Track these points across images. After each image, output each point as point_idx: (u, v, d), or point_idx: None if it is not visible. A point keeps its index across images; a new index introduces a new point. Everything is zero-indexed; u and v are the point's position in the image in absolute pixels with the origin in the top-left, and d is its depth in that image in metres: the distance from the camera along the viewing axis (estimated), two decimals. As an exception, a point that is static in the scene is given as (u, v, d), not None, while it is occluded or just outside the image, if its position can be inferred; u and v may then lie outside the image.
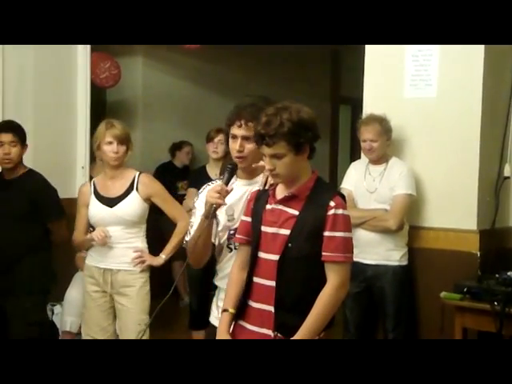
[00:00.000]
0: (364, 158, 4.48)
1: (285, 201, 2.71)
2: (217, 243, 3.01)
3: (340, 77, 9.47)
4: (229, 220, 2.99)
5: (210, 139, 5.31)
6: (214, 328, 3.09)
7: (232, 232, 2.99)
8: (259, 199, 2.80)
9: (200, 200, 3.06)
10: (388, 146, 4.37)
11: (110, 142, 3.95)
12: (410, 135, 4.46)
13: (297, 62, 8.26)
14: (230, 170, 2.91)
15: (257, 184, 3.00)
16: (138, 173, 4.08)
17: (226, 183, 2.87)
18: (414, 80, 4.43)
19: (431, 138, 4.39)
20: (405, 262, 4.31)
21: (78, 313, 5.16)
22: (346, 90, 9.28)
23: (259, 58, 7.70)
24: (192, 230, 3.01)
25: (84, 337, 4.13)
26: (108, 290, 4.04)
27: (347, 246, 2.66)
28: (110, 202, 3.99)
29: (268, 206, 2.75)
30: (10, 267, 4.31)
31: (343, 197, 2.73)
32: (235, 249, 3.00)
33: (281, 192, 2.74)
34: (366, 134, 4.33)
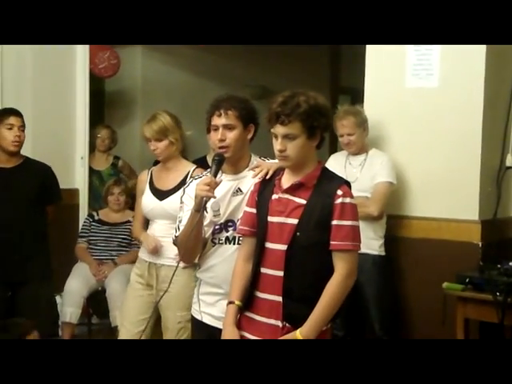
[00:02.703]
0: (344, 150, 4.48)
1: (292, 190, 2.70)
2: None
3: (339, 66, 9.44)
4: (215, 215, 2.98)
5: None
6: (197, 321, 3.10)
7: (217, 227, 2.99)
8: (264, 190, 2.78)
9: (187, 195, 3.04)
10: (366, 136, 4.38)
11: (148, 139, 3.87)
12: (411, 125, 4.44)
13: (296, 52, 8.22)
14: (217, 161, 2.90)
15: (243, 179, 2.99)
16: (193, 167, 3.92)
17: (215, 175, 2.86)
18: (416, 70, 4.40)
19: (433, 128, 4.37)
20: (383, 253, 4.31)
21: (77, 303, 5.18)
22: (345, 80, 9.26)
23: (258, 47, 7.64)
24: (181, 226, 2.99)
25: (119, 327, 4.04)
26: (154, 283, 3.89)
27: (355, 234, 2.66)
28: (161, 195, 3.87)
29: (274, 196, 2.73)
30: (24, 255, 4.29)
31: (349, 186, 2.73)
32: (219, 243, 3.00)
33: (287, 181, 2.73)
34: (342, 129, 4.33)
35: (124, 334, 3.89)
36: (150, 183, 3.96)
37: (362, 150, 4.39)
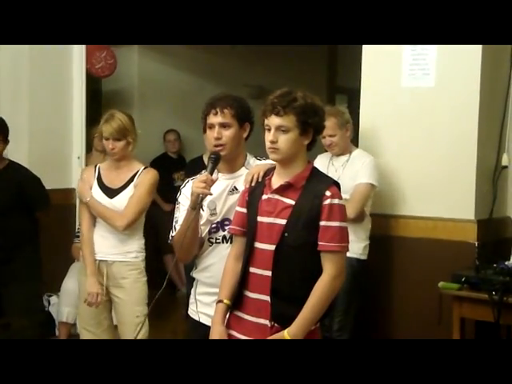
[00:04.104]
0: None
1: (281, 190, 2.70)
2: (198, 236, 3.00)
3: (336, 66, 9.45)
4: (211, 214, 2.98)
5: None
6: (194, 321, 3.10)
7: (214, 226, 3.00)
8: (254, 190, 2.79)
9: (183, 195, 3.05)
10: (348, 137, 4.38)
11: (107, 138, 3.89)
12: (407, 125, 4.44)
13: (293, 52, 8.23)
14: (213, 159, 2.90)
15: (239, 178, 2.99)
16: (143, 167, 3.97)
17: (211, 173, 2.86)
18: (412, 69, 4.41)
19: (429, 128, 4.37)
20: (364, 257, 4.25)
21: (74, 303, 5.17)
22: (342, 80, 9.27)
23: (255, 47, 7.65)
24: (177, 225, 2.99)
25: (79, 330, 4.06)
26: (103, 281, 3.95)
27: (343, 235, 2.66)
28: (110, 193, 3.92)
29: (264, 196, 2.74)
30: (6, 258, 4.29)
31: (339, 186, 2.73)
32: (216, 243, 3.01)
33: (276, 182, 2.73)
34: (324, 130, 4.30)
35: (87, 336, 3.94)
36: (98, 180, 3.98)
37: (346, 150, 4.38)
